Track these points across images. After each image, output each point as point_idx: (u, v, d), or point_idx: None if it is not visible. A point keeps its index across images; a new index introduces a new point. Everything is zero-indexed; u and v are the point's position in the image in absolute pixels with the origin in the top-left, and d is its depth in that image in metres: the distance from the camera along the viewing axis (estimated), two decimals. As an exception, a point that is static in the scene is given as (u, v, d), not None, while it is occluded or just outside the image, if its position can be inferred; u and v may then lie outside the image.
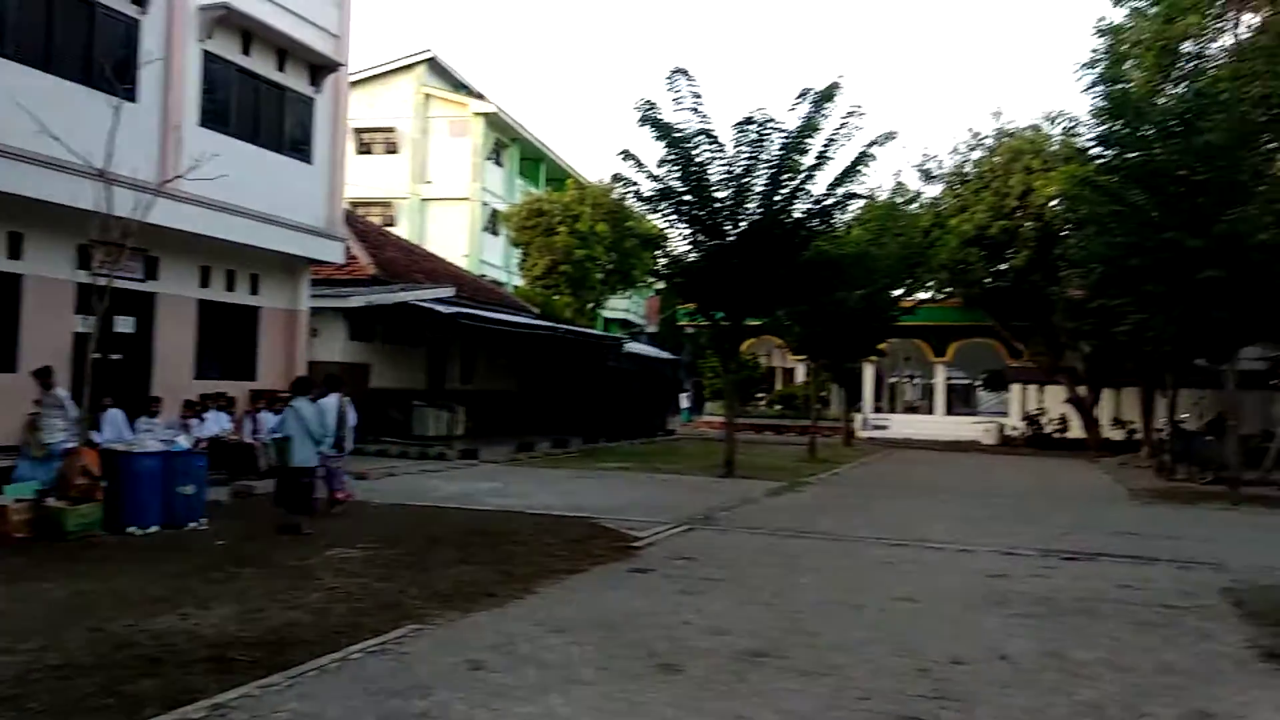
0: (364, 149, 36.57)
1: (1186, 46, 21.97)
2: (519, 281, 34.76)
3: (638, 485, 15.36)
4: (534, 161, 42.65)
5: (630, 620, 6.37)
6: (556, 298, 31.93)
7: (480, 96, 39.27)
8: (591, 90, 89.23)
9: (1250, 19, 21.11)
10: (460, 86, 40.24)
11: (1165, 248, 15.20)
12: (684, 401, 43.15)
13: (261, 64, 14.65)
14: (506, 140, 39.73)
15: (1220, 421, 20.07)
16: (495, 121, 38.05)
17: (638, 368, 28.99)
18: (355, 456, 13.25)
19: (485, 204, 37.80)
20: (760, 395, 42.13)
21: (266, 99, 14.81)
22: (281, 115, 15.12)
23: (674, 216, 17.44)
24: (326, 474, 10.79)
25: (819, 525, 11.38)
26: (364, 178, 33.62)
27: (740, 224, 16.93)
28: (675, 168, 16.58)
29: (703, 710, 4.64)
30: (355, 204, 28.73)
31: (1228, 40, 21.80)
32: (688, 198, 16.84)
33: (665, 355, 34.30)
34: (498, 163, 39.50)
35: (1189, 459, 20.81)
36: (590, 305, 35.13)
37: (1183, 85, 19.66)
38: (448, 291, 20.61)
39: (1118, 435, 32.16)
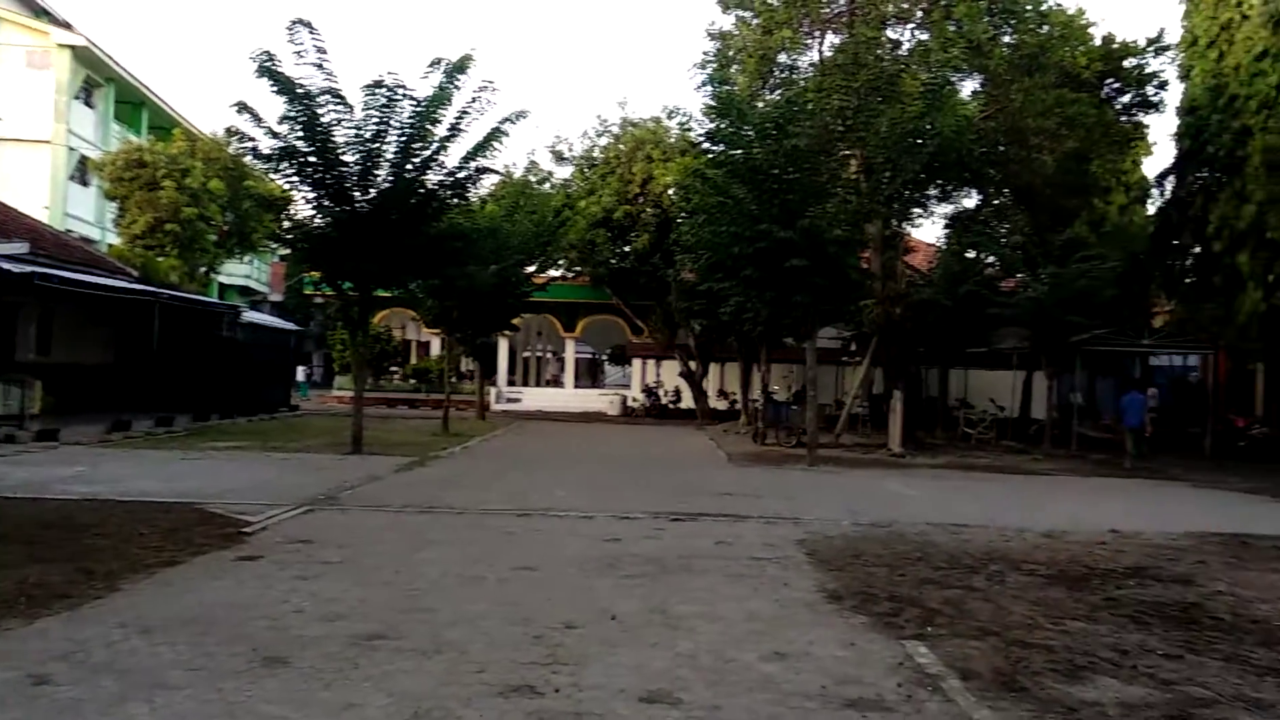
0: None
1: (781, 58, 24.58)
2: (115, 240, 30.79)
3: (254, 466, 14.30)
4: (135, 106, 37.98)
5: (232, 613, 5.88)
6: (161, 260, 28.71)
7: (67, 26, 34.13)
8: (207, 32, 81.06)
9: (832, 39, 24.09)
10: (41, 12, 34.71)
11: (761, 238, 16.95)
12: (301, 375, 41.02)
13: None
14: (100, 79, 34.92)
15: (803, 392, 22.88)
16: (85, 57, 33.27)
17: (257, 339, 26.97)
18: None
19: (72, 150, 33.03)
20: (394, 369, 41.15)
21: None
22: None
23: (297, 178, 16.39)
24: None
25: (446, 500, 11.33)
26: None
27: (370, 191, 16.33)
28: (298, 126, 15.57)
29: (309, 703, 4.39)
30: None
31: (814, 56, 24.72)
32: (312, 159, 15.90)
33: (289, 326, 32.26)
34: (88, 104, 34.64)
35: (778, 425, 23.49)
36: (203, 270, 32.05)
37: (778, 92, 21.99)
38: (19, 247, 17.78)
39: (723, 405, 35.56)
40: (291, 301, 47.73)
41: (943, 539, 9.69)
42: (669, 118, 32.39)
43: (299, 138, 15.71)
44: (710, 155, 19.12)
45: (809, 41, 24.61)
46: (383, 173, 16.23)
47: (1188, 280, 25.62)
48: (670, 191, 30.42)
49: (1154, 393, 25.29)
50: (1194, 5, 25.21)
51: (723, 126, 17.92)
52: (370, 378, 37.29)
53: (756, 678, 4.99)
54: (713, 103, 18.52)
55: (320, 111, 15.49)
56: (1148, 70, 30.12)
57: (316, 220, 17.19)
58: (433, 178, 16.79)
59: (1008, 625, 6.26)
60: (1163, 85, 30.10)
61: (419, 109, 15.79)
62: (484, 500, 11.42)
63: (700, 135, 20.59)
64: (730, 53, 24.91)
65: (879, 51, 22.12)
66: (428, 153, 16.35)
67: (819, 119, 19.70)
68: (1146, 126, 31.48)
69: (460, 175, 16.95)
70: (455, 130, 16.31)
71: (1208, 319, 24.06)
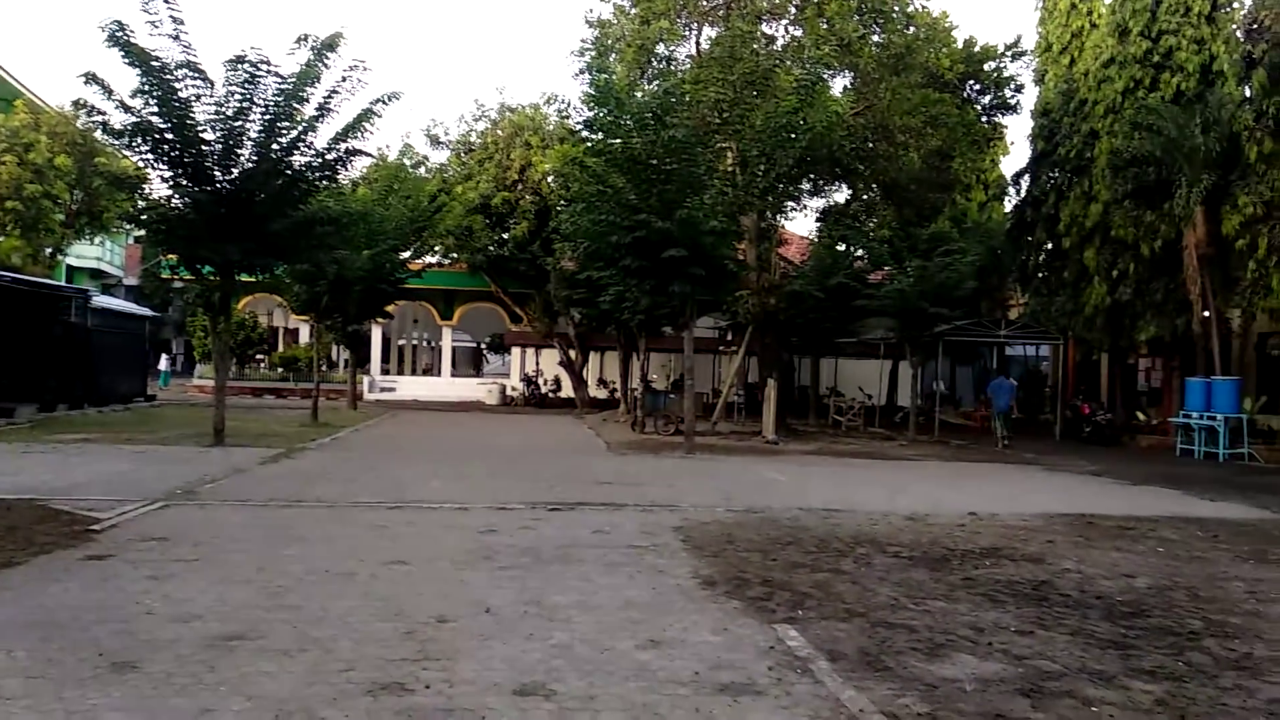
0: None
1: (659, 49, 24.74)
2: (-54, 218, 28.49)
3: (105, 459, 13.48)
4: (-30, 75, 35.16)
5: (78, 616, 5.51)
6: (2, 240, 26.77)
7: (-113, -18, 31.32)
8: (52, -1, 75.79)
9: (709, 32, 24.38)
10: None
11: (640, 227, 17.02)
12: (163, 364, 39.07)
13: None
14: (-72, 43, 32.20)
15: (681, 381, 23.13)
16: (-90, 17, 30.60)
17: (109, 325, 25.44)
18: None
19: (-105, 118, 30.33)
20: (260, 357, 39.65)
21: None
22: None
23: (152, 156, 15.49)
24: None
25: (314, 493, 10.95)
26: None
27: (232, 171, 15.59)
28: (153, 101, 14.71)
29: (160, 711, 4.15)
30: None
31: (691, 48, 24.98)
32: (169, 136, 15.05)
33: (145, 312, 30.55)
34: (-86, 70, 31.95)
35: (656, 414, 23.69)
36: (49, 251, 30.04)
37: (655, 83, 22.11)
38: None
39: (602, 394, 35.66)
40: (148, 286, 45.25)
41: (813, 523, 9.95)
42: (548, 104, 32.24)
43: (154, 113, 14.85)
44: (589, 144, 19.06)
45: (686, 33, 24.86)
46: (246, 152, 15.51)
47: (1040, 275, 27.10)
48: (549, 179, 30.25)
49: (1013, 382, 26.71)
50: (1048, 13, 26.62)
51: (601, 115, 17.88)
52: (235, 366, 35.81)
53: (631, 666, 4.99)
54: (591, 91, 18.46)
55: (177, 86, 14.67)
56: (1006, 74, 31.76)
57: (174, 200, 16.31)
58: (300, 159, 16.16)
59: (873, 606, 6.47)
60: (1019, 88, 31.81)
61: (285, 87, 15.16)
62: (354, 493, 11.09)
63: (579, 123, 20.53)
64: (609, 41, 24.93)
65: (754, 46, 22.51)
66: (295, 132, 15.73)
67: (696, 110, 19.93)
68: (1004, 127, 33.23)
69: (330, 157, 16.37)
70: (324, 110, 15.74)
71: (1058, 311, 25.54)
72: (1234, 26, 22.10)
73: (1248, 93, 20.44)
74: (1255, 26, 19.85)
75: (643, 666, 4.99)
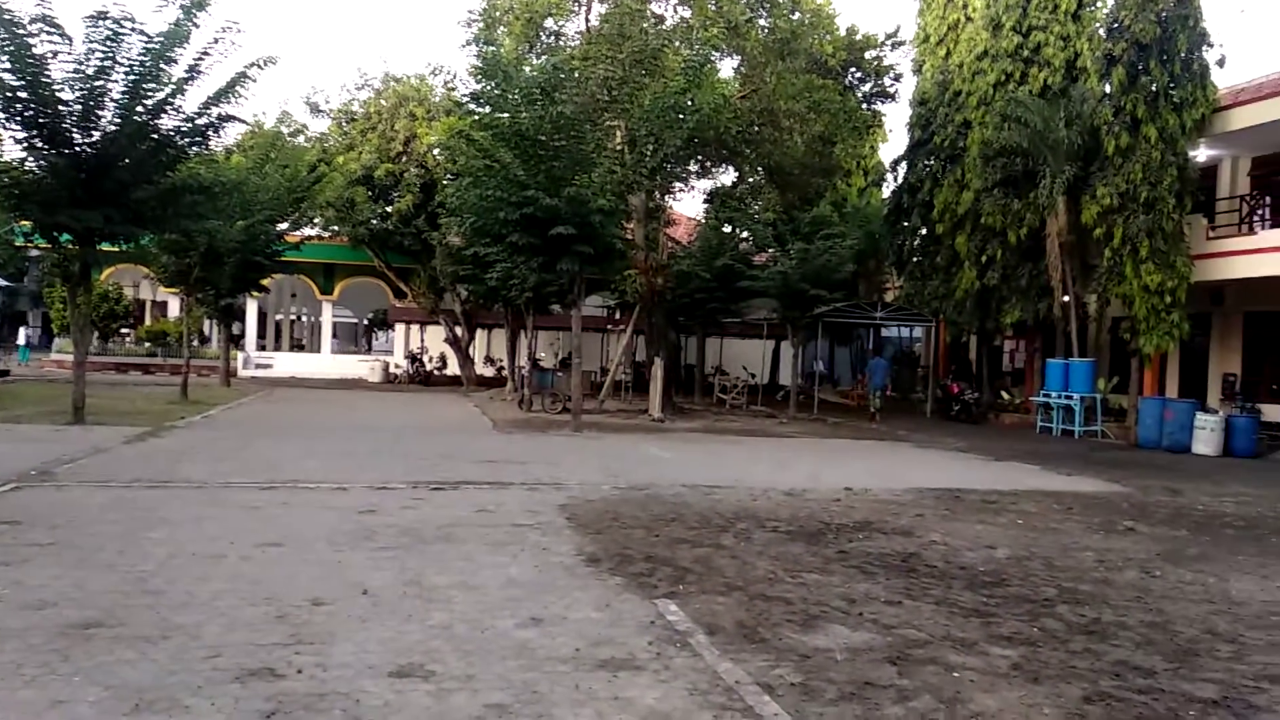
0: None
1: (549, 23, 24.46)
2: None
3: (-52, 439, 12.61)
4: None
5: (-85, 608, 5.16)
6: None
7: None
8: (-113, -61, 69.64)
9: (599, 7, 24.22)
10: None
11: (528, 204, 16.84)
12: (22, 338, 36.76)
13: None
14: None
15: (569, 359, 23.10)
16: None
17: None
18: None
19: None
20: (125, 331, 37.71)
21: None
22: None
23: (3, 116, 14.45)
24: None
25: (182, 473, 10.50)
26: None
27: (93, 134, 14.68)
28: (3, 57, 13.71)
29: (7, 704, 3.92)
30: None
31: (581, 24, 24.77)
32: (22, 95, 14.06)
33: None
34: None
35: (544, 392, 23.61)
36: (-117, 215, 27.70)
37: (544, 58, 21.83)
38: None
39: (489, 372, 35.29)
40: (1, 254, 42.31)
41: (696, 500, 10.11)
42: (434, 75, 31.50)
43: (4, 70, 13.85)
44: (476, 117, 18.71)
45: (575, 8, 24.63)
46: (108, 114, 14.61)
47: (915, 259, 28.08)
48: (435, 152, 29.59)
49: (887, 362, 27.70)
50: (926, 4, 27.45)
51: (488, 88, 17.57)
52: (97, 341, 33.94)
53: (511, 645, 4.98)
54: (479, 63, 18.10)
55: (31, 41, 13.70)
56: (886, 63, 32.65)
57: (28, 164, 15.26)
58: (168, 123, 15.34)
59: (751, 580, 6.63)
60: (898, 78, 32.76)
61: (151, 46, 14.33)
62: (226, 473, 10.68)
63: (465, 96, 20.12)
64: (497, 13, 24.49)
65: (644, 24, 22.48)
66: (162, 95, 14.91)
67: (585, 88, 19.78)
68: (884, 115, 34.18)
69: (200, 122, 15.59)
70: (194, 72, 14.96)
71: (930, 295, 26.56)
72: (1097, 25, 23.28)
73: (1108, 89, 21.58)
74: (1116, 25, 20.94)
75: (523, 645, 4.99)
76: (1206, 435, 18.87)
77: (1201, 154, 22.03)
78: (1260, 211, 22.94)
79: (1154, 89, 20.58)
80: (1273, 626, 6.04)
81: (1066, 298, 22.56)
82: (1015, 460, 16.11)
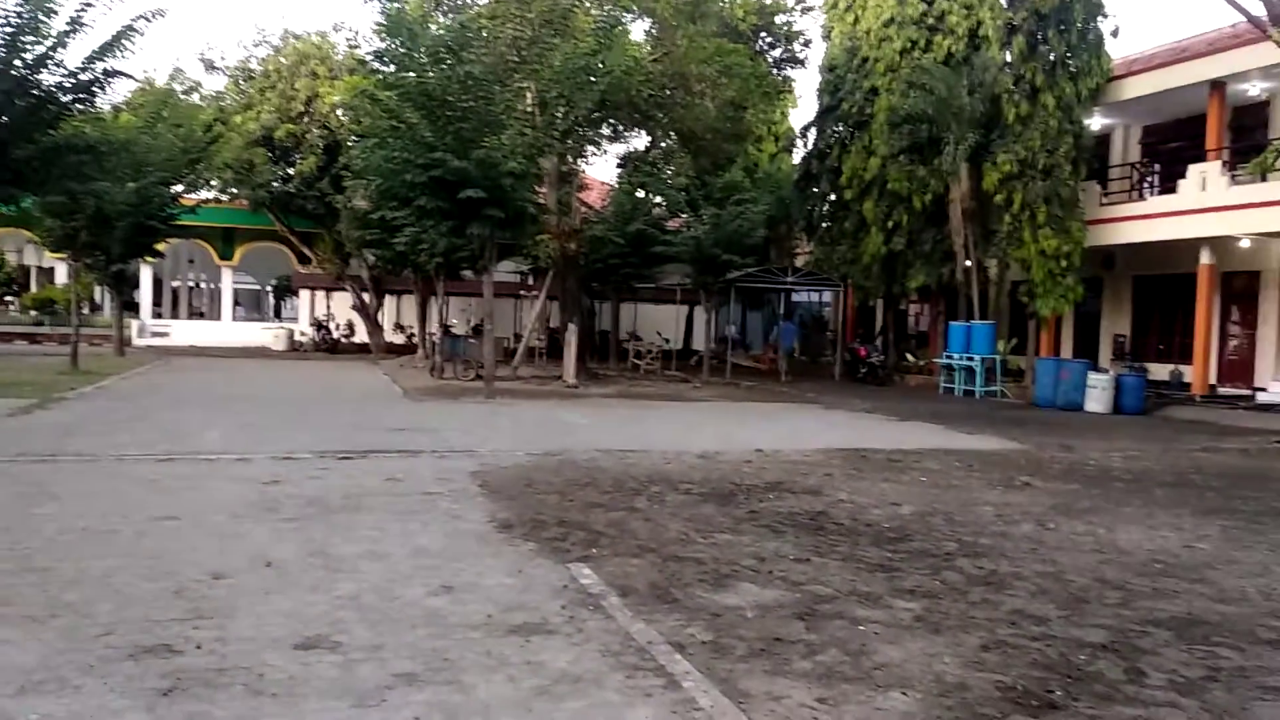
0: None
1: (456, -20, 23.80)
2: None
3: None
4: None
5: None
6: None
7: None
8: None
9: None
10: None
11: (435, 166, 16.45)
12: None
13: None
14: None
15: (481, 326, 22.81)
16: None
17: None
18: None
19: None
20: (9, 299, 35.83)
21: None
22: None
23: None
24: None
25: (73, 446, 10.03)
26: None
27: (-35, 89, 13.82)
28: None
29: (-123, 692, 3.69)
30: None
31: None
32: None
33: None
34: None
35: (455, 359, 23.29)
36: None
37: (451, 15, 21.30)
38: None
39: (399, 339, 34.65)
40: None
41: (610, 464, 10.12)
42: (336, 32, 30.49)
43: None
44: (380, 76, 18.16)
45: (483, -35, 24.02)
46: (-17, 69, 13.77)
47: (824, 225, 28.49)
48: (338, 112, 28.69)
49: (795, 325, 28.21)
50: (835, -30, 27.61)
51: (393, 46, 17.06)
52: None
53: (421, 613, 4.91)
54: (383, 20, 17.54)
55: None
56: (796, 28, 32.82)
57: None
58: (49, 78, 14.54)
59: (664, 542, 6.67)
60: (808, 43, 32.99)
61: (28, -4, 13.51)
62: (120, 445, 10.24)
63: (369, 54, 19.52)
64: (402, -32, 23.71)
65: (554, -17, 22.05)
66: (42, 49, 14.08)
67: (494, 47, 19.37)
68: (794, 81, 34.45)
69: (84, 78, 14.79)
70: (76, 25, 14.17)
71: (839, 260, 27.01)
72: (998, -7, 23.79)
73: (1009, 57, 22.13)
74: (1016, -5, 21.46)
75: (433, 613, 4.92)
76: (1098, 394, 19.73)
77: (1096, 122, 22.85)
78: (1150, 179, 23.96)
79: (1052, 58, 21.20)
80: (1157, 574, 6.36)
81: (968, 262, 23.21)
82: (919, 420, 16.58)
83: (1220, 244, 20.01)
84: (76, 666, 4.00)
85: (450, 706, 3.77)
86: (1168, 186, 21.87)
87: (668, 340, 30.40)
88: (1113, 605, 5.58)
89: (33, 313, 34.77)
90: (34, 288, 38.92)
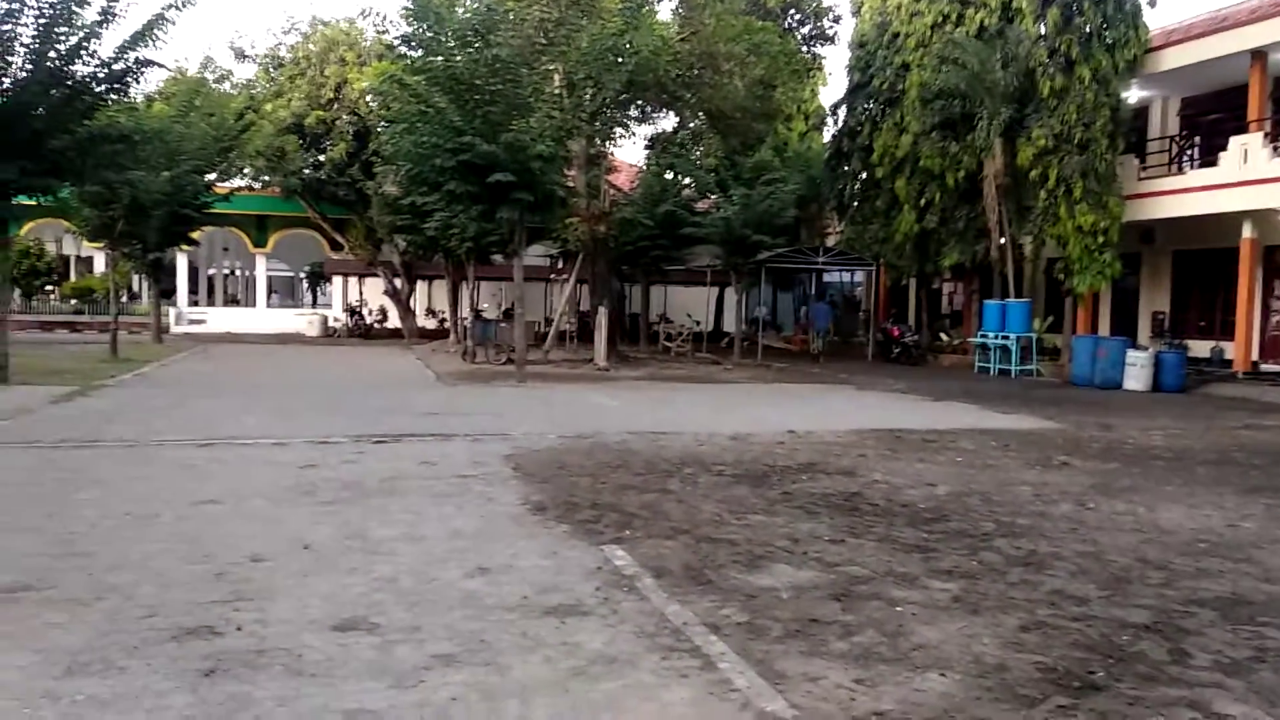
0: None
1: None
2: None
3: None
4: None
5: None
6: None
7: None
8: None
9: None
10: None
11: (464, 150, 16.45)
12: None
13: None
14: None
15: (512, 310, 22.86)
16: None
17: None
18: None
19: None
20: (49, 288, 36.45)
21: None
22: None
23: (-97, 63, 13.67)
24: None
25: (114, 432, 10.19)
26: None
27: (3, 81, 13.97)
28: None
29: (-70, 673, 3.78)
30: None
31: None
32: (-77, 39, 13.31)
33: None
34: None
35: (487, 343, 23.38)
36: None
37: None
38: None
39: (431, 324, 34.86)
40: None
41: (642, 446, 10.12)
42: (364, 18, 30.57)
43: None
44: (408, 61, 18.17)
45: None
46: (19, 60, 13.91)
47: (855, 203, 28.20)
48: (367, 98, 28.79)
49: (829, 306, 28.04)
50: (865, -55, 27.22)
51: (421, 31, 17.05)
52: (19, 298, 32.76)
53: (458, 595, 4.94)
54: (410, 5, 17.53)
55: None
56: (825, 4, 32.42)
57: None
58: (83, 69, 14.64)
59: (697, 523, 6.66)
60: (837, 19, 32.61)
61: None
62: (160, 431, 10.39)
63: (397, 39, 19.52)
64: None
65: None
66: (75, 39, 14.20)
67: (521, 30, 19.31)
68: (824, 58, 34.05)
69: (117, 67, 14.90)
70: (109, 15, 14.26)
71: (871, 239, 26.75)
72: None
73: (1043, 30, 21.70)
74: (1048, -33, 21.01)
75: (470, 595, 4.95)
76: (1137, 371, 19.42)
77: (1133, 95, 22.37)
78: (1189, 151, 23.45)
79: (1087, 30, 20.76)
80: (1200, 554, 6.25)
81: (1003, 239, 22.88)
82: (954, 400, 16.41)
83: (1263, 217, 19.55)
84: (121, 648, 4.06)
85: (487, 687, 3.79)
86: (1208, 159, 21.39)
87: (698, 322, 30.31)
88: (1155, 585, 5.50)
89: (73, 301, 35.35)
90: (73, 277, 39.55)
